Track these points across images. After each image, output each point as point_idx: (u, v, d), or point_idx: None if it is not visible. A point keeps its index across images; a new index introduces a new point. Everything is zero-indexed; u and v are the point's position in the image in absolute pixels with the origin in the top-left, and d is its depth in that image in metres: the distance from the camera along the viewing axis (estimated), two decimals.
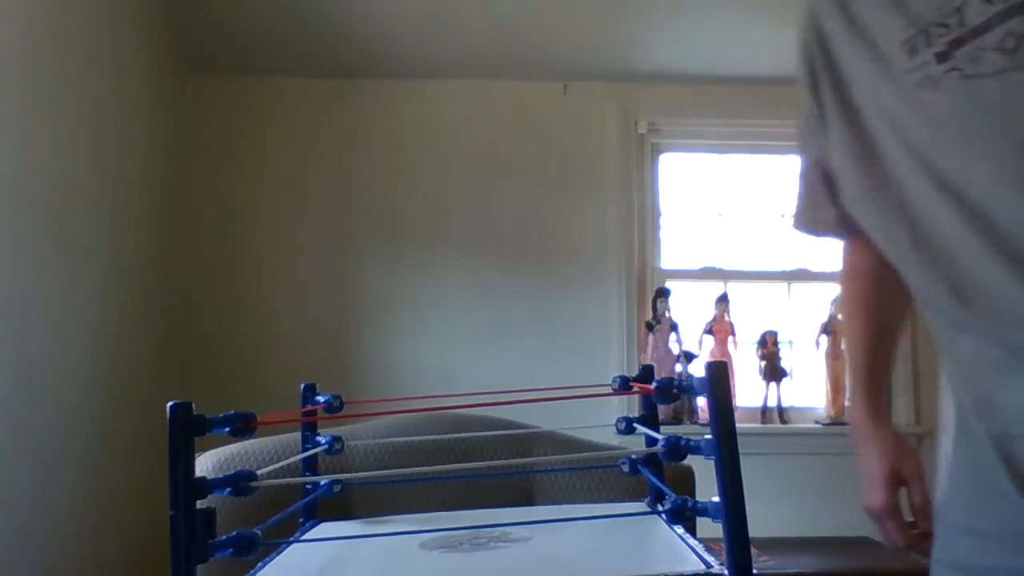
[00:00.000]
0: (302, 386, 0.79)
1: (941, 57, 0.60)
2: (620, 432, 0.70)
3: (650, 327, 2.36)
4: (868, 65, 0.66)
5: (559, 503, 0.94)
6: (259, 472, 0.44)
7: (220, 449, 1.00)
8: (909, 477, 0.82)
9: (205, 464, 0.96)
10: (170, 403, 0.38)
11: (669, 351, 2.35)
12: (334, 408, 0.69)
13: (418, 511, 0.89)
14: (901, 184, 0.65)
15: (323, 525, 0.77)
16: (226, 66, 2.37)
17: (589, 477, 0.94)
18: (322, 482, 0.75)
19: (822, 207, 0.81)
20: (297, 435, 0.82)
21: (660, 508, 0.60)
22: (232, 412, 0.41)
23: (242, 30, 2.24)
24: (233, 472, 0.41)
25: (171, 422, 0.38)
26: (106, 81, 1.97)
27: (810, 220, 0.85)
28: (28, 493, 1.63)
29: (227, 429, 0.41)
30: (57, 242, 1.76)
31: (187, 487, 0.38)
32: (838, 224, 0.81)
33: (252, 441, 1.00)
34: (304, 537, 0.72)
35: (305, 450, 0.77)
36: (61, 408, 1.76)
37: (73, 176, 1.83)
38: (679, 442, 0.38)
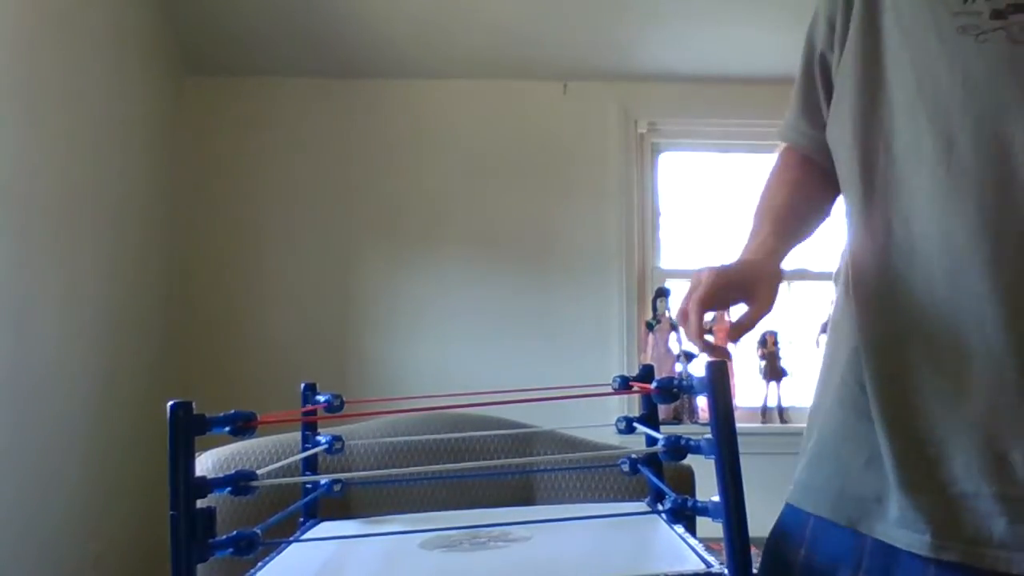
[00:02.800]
0: (302, 386, 0.79)
1: (996, 14, 0.61)
2: (620, 432, 0.70)
3: (650, 327, 2.36)
4: None
5: (559, 503, 0.93)
6: (259, 472, 0.44)
7: (220, 449, 1.00)
8: (761, 300, 0.69)
9: (205, 463, 0.96)
10: (170, 402, 0.38)
11: (669, 351, 2.35)
12: (334, 408, 0.69)
13: (418, 511, 0.89)
14: (893, 113, 0.66)
15: (323, 524, 0.77)
16: (226, 66, 2.36)
17: (589, 477, 0.94)
18: (322, 481, 0.75)
19: (810, 116, 0.79)
20: (297, 435, 0.82)
21: (660, 508, 0.60)
22: (232, 411, 0.41)
23: (242, 30, 2.24)
24: (233, 472, 0.41)
25: (171, 421, 0.38)
26: (106, 81, 1.97)
27: (796, 130, 0.81)
28: (28, 493, 1.63)
29: (227, 428, 0.41)
30: (58, 242, 1.76)
31: (187, 486, 0.38)
32: (814, 139, 0.78)
33: (252, 441, 1.00)
34: (304, 536, 0.72)
35: (305, 450, 0.77)
36: (62, 408, 1.76)
37: (73, 176, 1.83)
38: (679, 442, 0.38)
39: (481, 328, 2.35)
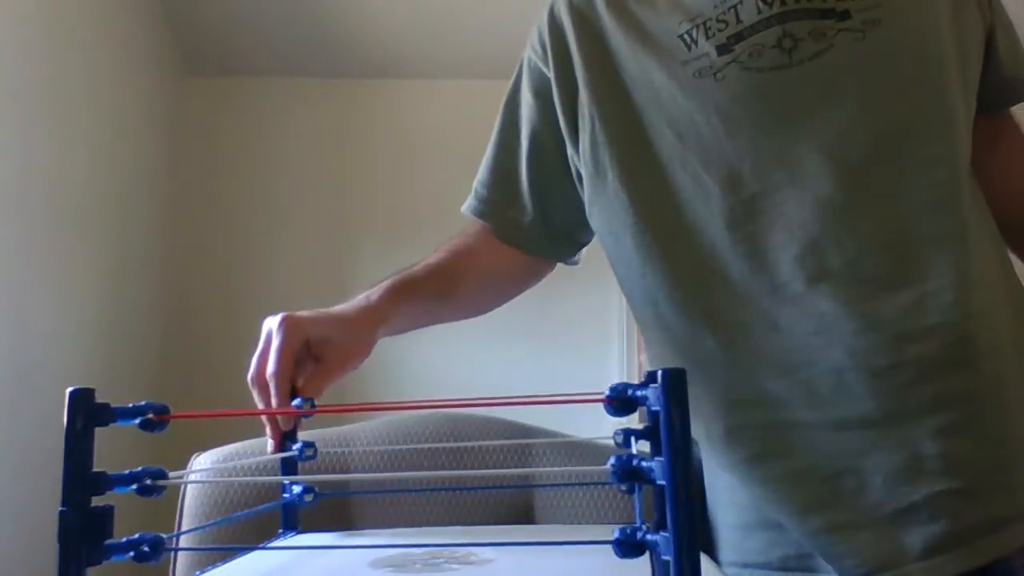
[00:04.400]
0: None
1: (722, 49, 0.63)
2: (619, 445, 0.66)
3: None
4: (641, 52, 0.67)
5: (559, 513, 0.90)
6: (240, 466, 0.40)
7: (220, 449, 0.98)
8: (337, 362, 0.64)
9: (204, 463, 0.94)
10: (70, 389, 0.35)
11: None
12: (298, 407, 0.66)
13: (415, 523, 0.87)
14: (666, 166, 0.65)
15: (300, 536, 0.74)
16: (226, 66, 2.38)
17: (592, 490, 0.91)
18: (295, 490, 0.72)
19: (518, 205, 0.78)
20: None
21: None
22: (144, 403, 0.38)
23: (242, 30, 2.26)
24: (140, 468, 0.37)
25: (70, 409, 0.35)
26: (106, 82, 1.98)
27: (497, 215, 0.80)
28: (27, 493, 1.63)
29: (135, 421, 0.38)
30: (57, 243, 1.77)
31: (83, 481, 0.35)
32: (528, 228, 0.77)
33: (253, 441, 0.98)
34: (270, 545, 0.69)
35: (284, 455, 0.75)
36: (59, 410, 1.77)
37: (73, 177, 1.84)
38: (630, 462, 0.34)
39: (480, 328, 2.31)
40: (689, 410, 0.32)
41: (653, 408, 0.33)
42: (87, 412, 0.35)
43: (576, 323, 2.33)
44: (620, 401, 0.34)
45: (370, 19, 2.21)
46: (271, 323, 0.63)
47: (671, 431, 0.31)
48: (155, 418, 0.37)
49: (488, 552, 0.56)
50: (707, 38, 0.63)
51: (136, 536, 0.36)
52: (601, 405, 0.37)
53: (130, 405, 0.38)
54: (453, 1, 2.18)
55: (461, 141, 2.40)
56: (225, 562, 0.57)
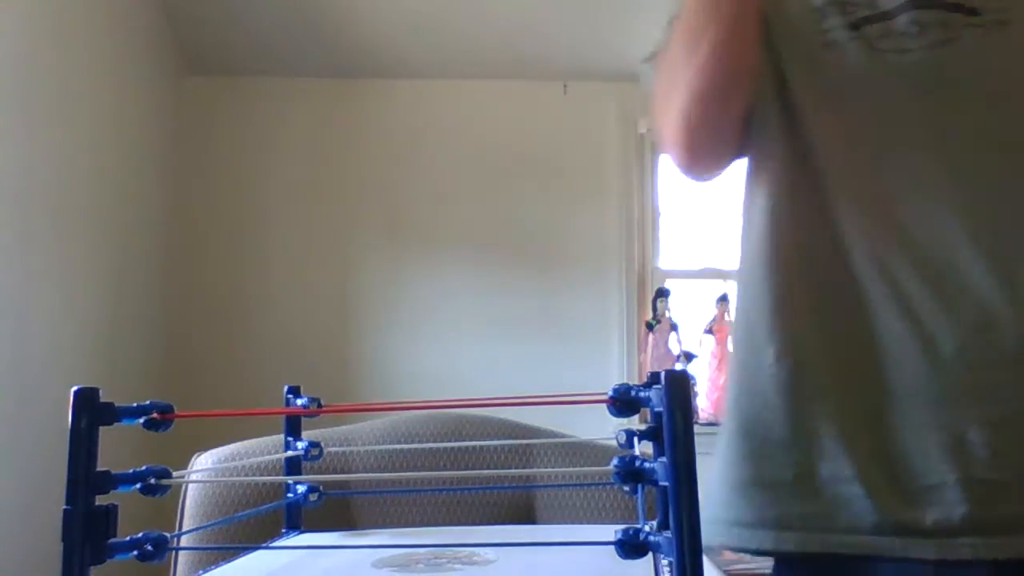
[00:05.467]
0: (285, 388, 0.77)
1: (852, 27, 0.65)
2: (621, 446, 0.66)
3: (650, 327, 2.34)
4: (776, 20, 0.69)
5: (560, 512, 0.90)
6: (244, 466, 0.40)
7: (221, 449, 0.98)
8: None
9: (205, 463, 0.94)
10: (74, 388, 0.35)
11: (669, 351, 2.32)
12: (301, 405, 0.66)
13: (418, 523, 0.88)
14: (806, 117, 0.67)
15: (303, 536, 0.74)
16: (226, 66, 2.38)
17: (593, 490, 0.91)
18: (300, 490, 0.72)
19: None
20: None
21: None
22: (148, 402, 0.38)
23: (242, 30, 2.25)
24: (144, 467, 0.38)
25: (74, 408, 0.35)
26: (106, 81, 1.98)
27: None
28: (30, 491, 1.63)
29: (139, 420, 0.38)
30: (58, 243, 1.77)
31: (89, 481, 0.35)
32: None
33: (253, 441, 0.98)
34: (273, 544, 0.69)
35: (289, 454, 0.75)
36: (62, 410, 1.77)
37: (74, 177, 1.83)
38: (633, 463, 0.34)
39: (481, 328, 2.33)
40: (692, 411, 0.32)
41: (656, 409, 0.33)
42: (92, 411, 0.35)
43: (576, 323, 2.34)
44: (623, 402, 0.34)
45: (370, 19, 2.21)
46: None
47: (674, 432, 0.31)
48: (159, 417, 0.37)
49: (490, 552, 0.56)
50: (840, 15, 0.66)
51: (140, 535, 0.36)
52: (601, 405, 0.37)
53: (134, 404, 0.38)
54: (453, 1, 2.18)
55: (460, 141, 2.41)
56: (228, 561, 0.57)
